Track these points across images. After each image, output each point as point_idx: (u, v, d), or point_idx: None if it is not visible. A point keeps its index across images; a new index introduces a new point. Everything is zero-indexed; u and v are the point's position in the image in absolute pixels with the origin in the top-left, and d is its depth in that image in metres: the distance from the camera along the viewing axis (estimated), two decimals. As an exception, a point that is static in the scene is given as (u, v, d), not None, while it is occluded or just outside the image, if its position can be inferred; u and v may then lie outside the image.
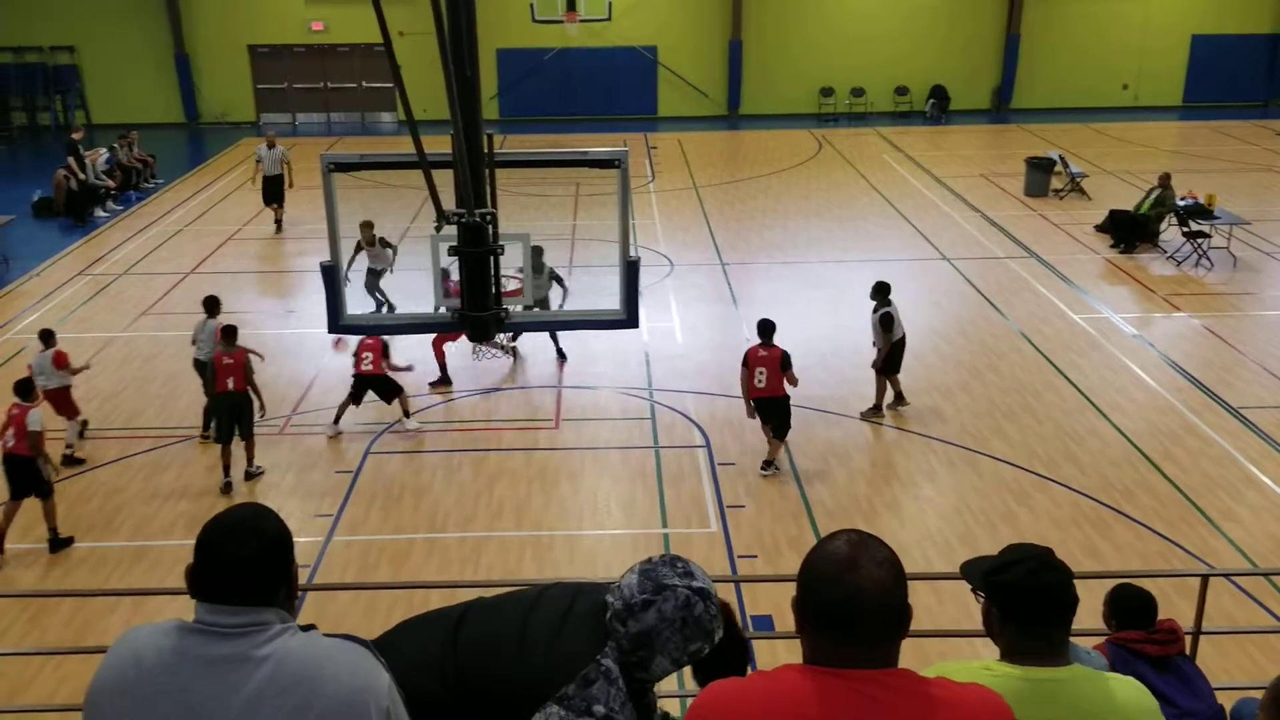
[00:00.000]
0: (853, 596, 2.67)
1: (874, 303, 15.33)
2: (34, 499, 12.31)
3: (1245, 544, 12.30)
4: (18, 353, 17.55)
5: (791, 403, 13.81)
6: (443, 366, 16.58)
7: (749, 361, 13.66)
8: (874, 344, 15.43)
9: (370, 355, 14.90)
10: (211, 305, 15.24)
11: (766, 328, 13.77)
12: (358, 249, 18.93)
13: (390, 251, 19.45)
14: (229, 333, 14.03)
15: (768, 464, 14.00)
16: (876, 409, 15.44)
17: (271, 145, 25.16)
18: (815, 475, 13.94)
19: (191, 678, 2.83)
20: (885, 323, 15.01)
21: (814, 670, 2.71)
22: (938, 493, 13.58)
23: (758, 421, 13.99)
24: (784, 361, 13.54)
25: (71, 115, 38.77)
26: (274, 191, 25.30)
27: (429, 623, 3.79)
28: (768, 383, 13.53)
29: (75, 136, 27.11)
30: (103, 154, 28.34)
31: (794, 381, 13.64)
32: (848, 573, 2.69)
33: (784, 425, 13.94)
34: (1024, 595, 3.42)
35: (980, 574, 3.59)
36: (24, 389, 12.49)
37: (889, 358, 15.25)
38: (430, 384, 16.48)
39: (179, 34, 38.46)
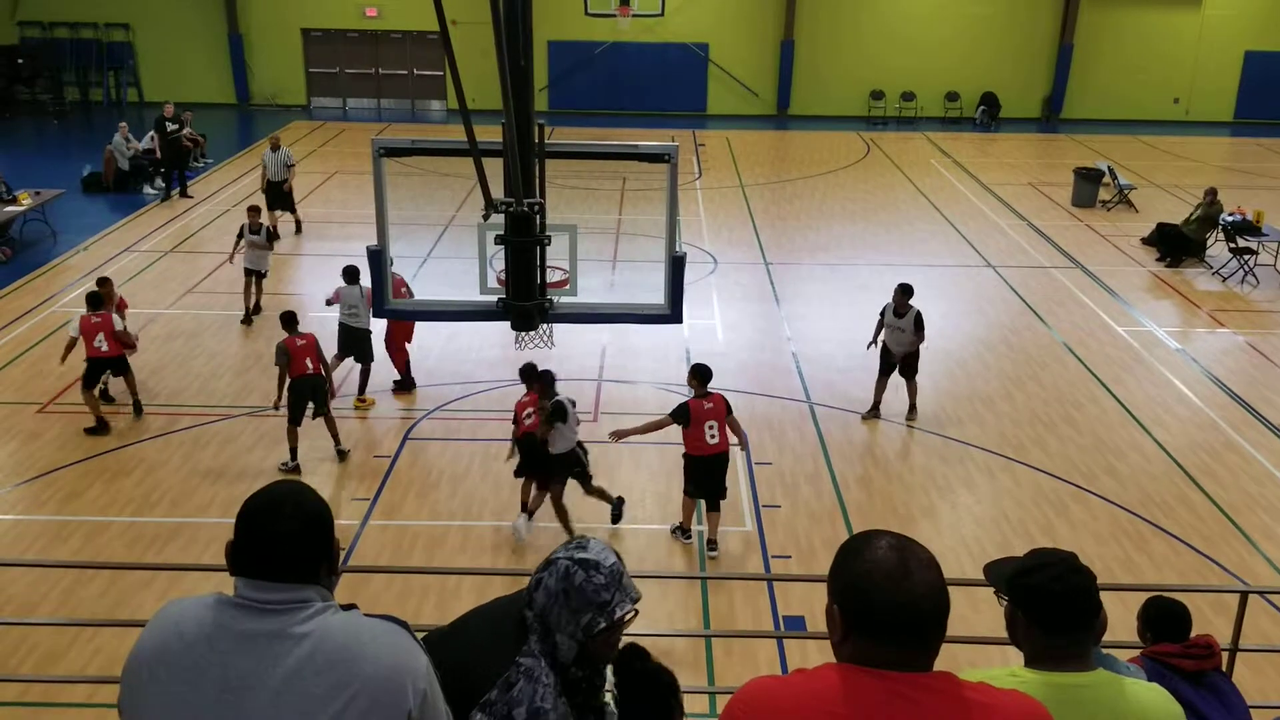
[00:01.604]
0: (913, 603, 2.66)
1: (893, 303, 15.00)
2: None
3: (1285, 565, 12.21)
4: (64, 324, 17.71)
5: (830, 407, 13.57)
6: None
7: (692, 416, 11.87)
8: (891, 345, 15.08)
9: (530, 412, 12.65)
10: (352, 274, 15.57)
11: (704, 375, 12.10)
12: (239, 238, 18.51)
13: (269, 254, 18.55)
14: (290, 320, 14.09)
15: (713, 543, 12.16)
16: (912, 409, 15.36)
17: (276, 148, 23.36)
18: (852, 478, 13.88)
19: (230, 652, 2.85)
20: (920, 322, 14.90)
21: (855, 670, 2.70)
22: (975, 500, 13.50)
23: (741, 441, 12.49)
24: (729, 409, 12.05)
25: (124, 92, 39.17)
26: (277, 197, 23.39)
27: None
28: (720, 437, 11.92)
29: (166, 113, 26.83)
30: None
31: (740, 432, 12.26)
32: (904, 580, 2.67)
33: (722, 489, 12.22)
34: (1052, 599, 3.42)
35: (1005, 578, 3.58)
36: (98, 300, 14.69)
37: (902, 359, 15.11)
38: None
39: (233, 14, 38.72)
